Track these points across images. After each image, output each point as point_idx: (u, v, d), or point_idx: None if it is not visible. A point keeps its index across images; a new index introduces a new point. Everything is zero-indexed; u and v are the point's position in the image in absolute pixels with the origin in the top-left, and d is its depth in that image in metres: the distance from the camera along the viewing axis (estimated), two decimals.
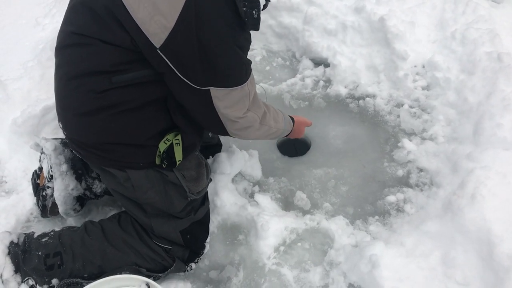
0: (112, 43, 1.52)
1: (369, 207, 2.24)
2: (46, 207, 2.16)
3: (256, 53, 3.18)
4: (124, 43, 1.50)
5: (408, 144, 2.42)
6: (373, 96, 2.74)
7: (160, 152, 1.71)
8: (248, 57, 3.00)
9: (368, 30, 2.89)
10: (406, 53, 2.72)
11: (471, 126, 2.33)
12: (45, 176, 2.12)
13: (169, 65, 1.51)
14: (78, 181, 2.08)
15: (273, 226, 2.04)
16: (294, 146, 2.66)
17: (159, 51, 1.47)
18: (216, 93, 1.59)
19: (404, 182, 2.32)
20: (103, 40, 1.53)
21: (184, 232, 1.91)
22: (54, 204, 2.09)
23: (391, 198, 2.23)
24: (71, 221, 2.26)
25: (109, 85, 1.57)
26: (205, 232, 2.02)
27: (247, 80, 1.67)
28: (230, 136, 1.84)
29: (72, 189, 2.06)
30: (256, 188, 2.36)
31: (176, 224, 1.89)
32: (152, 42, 1.46)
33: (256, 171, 2.40)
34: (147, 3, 1.42)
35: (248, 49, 1.68)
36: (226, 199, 2.16)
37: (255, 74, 2.97)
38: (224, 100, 1.63)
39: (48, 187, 2.12)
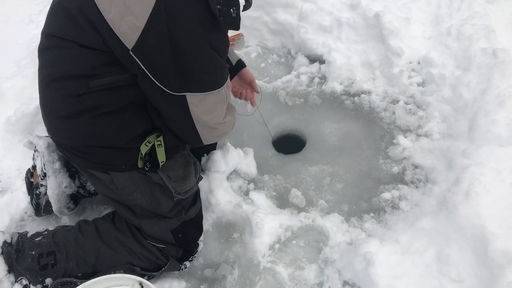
0: (87, 45, 1.51)
1: (364, 204, 2.24)
2: (40, 206, 2.15)
3: (251, 50, 3.17)
4: (98, 45, 1.49)
5: (403, 141, 2.42)
6: (369, 93, 2.73)
7: (142, 154, 1.70)
8: (243, 53, 3.03)
9: (363, 26, 2.88)
10: (401, 50, 2.71)
11: (466, 122, 2.32)
12: (38, 174, 2.10)
13: (142, 68, 1.48)
14: (71, 179, 2.06)
15: (268, 223, 2.04)
16: (289, 143, 2.65)
17: (131, 53, 1.45)
18: (192, 98, 1.56)
19: (399, 179, 2.32)
20: (79, 43, 1.51)
21: (175, 232, 1.90)
22: (48, 203, 2.08)
23: (386, 195, 2.22)
24: (65, 220, 2.25)
25: (86, 89, 1.56)
26: (198, 230, 2.02)
27: (224, 83, 1.64)
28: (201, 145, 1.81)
29: (66, 187, 2.05)
30: (251, 185, 2.35)
31: (166, 224, 1.88)
32: (124, 42, 1.43)
33: (251, 169, 2.39)
34: (118, 3, 1.40)
35: (224, 52, 1.65)
36: (220, 197, 2.15)
37: (251, 69, 2.97)
38: (200, 106, 1.60)
39: (41, 185, 2.10)
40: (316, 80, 2.86)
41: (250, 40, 3.18)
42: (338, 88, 2.78)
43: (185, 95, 1.54)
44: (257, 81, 2.84)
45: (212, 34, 1.50)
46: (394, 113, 2.60)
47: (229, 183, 2.31)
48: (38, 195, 2.14)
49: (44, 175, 2.04)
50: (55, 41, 1.59)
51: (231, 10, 1.47)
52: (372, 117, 2.64)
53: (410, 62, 2.78)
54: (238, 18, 1.51)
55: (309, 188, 2.34)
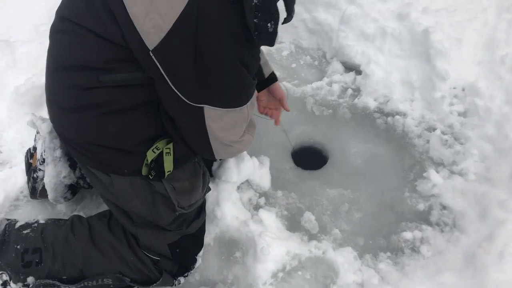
0: (103, 36, 1.34)
1: (382, 240, 2.05)
2: (36, 190, 2.02)
3: (284, 47, 2.95)
4: (115, 38, 1.32)
5: (434, 176, 2.20)
6: (404, 115, 2.50)
7: (147, 161, 1.54)
8: (275, 50, 2.81)
9: (409, 40, 2.63)
10: (447, 73, 2.47)
11: (508, 168, 2.10)
12: (37, 158, 1.96)
13: (160, 72, 1.32)
14: (71, 168, 1.92)
15: (274, 250, 1.86)
16: (309, 157, 2.46)
17: (151, 54, 1.28)
18: (210, 112, 1.40)
19: (423, 218, 2.11)
20: (95, 33, 1.35)
21: (173, 246, 1.75)
22: (44, 189, 1.94)
23: (407, 235, 2.03)
24: (62, 207, 2.11)
25: (96, 83, 1.41)
26: (198, 246, 1.86)
27: (247, 102, 1.47)
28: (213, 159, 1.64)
29: (64, 177, 1.90)
30: (262, 200, 2.17)
31: (164, 236, 1.73)
32: (145, 42, 1.27)
33: (264, 181, 2.21)
34: None
35: (254, 68, 1.47)
36: (227, 210, 1.98)
37: (279, 70, 2.78)
38: (218, 121, 1.44)
39: (39, 169, 1.96)
40: (349, 91, 2.64)
41: (284, 37, 2.96)
42: (372, 104, 2.56)
43: (203, 107, 1.38)
44: (285, 83, 2.65)
45: (243, 49, 1.32)
46: (428, 141, 2.38)
47: (238, 194, 2.14)
48: (35, 179, 2.00)
49: (43, 160, 1.89)
50: (69, 25, 1.42)
51: (269, 24, 1.27)
52: (404, 143, 2.42)
53: (454, 88, 2.54)
54: (274, 34, 1.32)
55: (324, 212, 2.15)
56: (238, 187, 2.17)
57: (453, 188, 2.15)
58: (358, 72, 2.71)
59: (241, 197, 2.14)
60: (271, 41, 1.33)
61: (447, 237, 1.99)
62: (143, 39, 1.26)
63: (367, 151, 2.43)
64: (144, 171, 1.56)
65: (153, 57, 1.28)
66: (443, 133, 2.40)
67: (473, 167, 2.20)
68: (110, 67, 1.39)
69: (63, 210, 2.11)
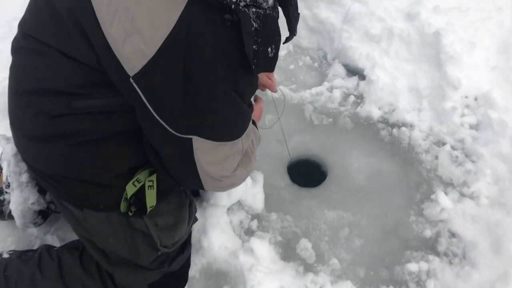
0: (74, 57, 1.14)
1: (385, 272, 1.87)
2: (4, 213, 1.83)
3: (282, 46, 2.70)
4: (88, 61, 1.12)
5: (443, 198, 2.01)
6: (411, 126, 2.30)
7: (127, 195, 1.34)
8: None
9: (418, 43, 2.41)
10: (459, 82, 2.25)
11: None
12: (3, 181, 1.75)
13: (142, 99, 1.11)
14: (41, 194, 1.70)
15: (267, 286, 1.68)
16: (307, 172, 2.26)
17: (131, 80, 1.08)
18: (199, 144, 1.19)
19: (430, 246, 1.93)
20: (63, 53, 1.15)
21: (154, 285, 1.57)
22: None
23: (412, 267, 1.85)
24: (33, 230, 1.92)
25: (67, 110, 1.21)
26: (182, 282, 1.70)
27: (243, 133, 1.27)
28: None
29: (33, 203, 1.69)
30: (255, 223, 1.98)
31: (144, 276, 1.55)
32: (124, 67, 1.06)
33: (257, 201, 2.02)
34: (123, 16, 1.02)
35: (250, 95, 1.27)
36: (215, 239, 1.80)
37: (276, 72, 2.54)
38: (208, 154, 1.24)
39: (6, 192, 1.75)
40: (352, 98, 2.43)
41: (282, 35, 2.71)
42: (376, 113, 2.35)
43: (191, 138, 1.17)
44: (281, 87, 2.43)
45: (239, 77, 1.12)
46: (437, 157, 2.18)
47: (228, 217, 1.95)
48: (1, 202, 1.81)
49: (9, 184, 1.69)
50: (34, 43, 1.21)
51: (269, 49, 1.10)
52: (410, 158, 2.22)
53: (466, 97, 2.32)
54: (275, 59, 1.15)
55: (322, 238, 1.97)
56: (228, 209, 1.98)
57: (463, 213, 1.97)
58: (362, 76, 2.49)
59: (231, 220, 1.95)
60: (271, 67, 1.17)
61: (457, 270, 1.81)
62: (122, 64, 1.06)
63: (369, 166, 2.24)
64: (123, 207, 1.37)
65: (134, 84, 1.08)
66: (453, 148, 2.20)
67: (485, 189, 2.00)
68: (83, 92, 1.19)
69: (35, 233, 1.92)
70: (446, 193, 2.05)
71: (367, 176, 2.20)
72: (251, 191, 2.01)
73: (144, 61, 1.04)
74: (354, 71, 2.54)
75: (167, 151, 1.27)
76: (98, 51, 1.08)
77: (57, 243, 1.85)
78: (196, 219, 1.71)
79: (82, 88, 1.18)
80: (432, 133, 2.27)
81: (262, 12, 1.07)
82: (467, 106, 2.32)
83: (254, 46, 1.06)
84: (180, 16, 1.01)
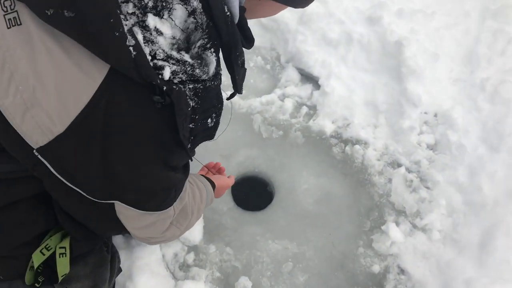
0: None
1: None
2: None
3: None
4: None
5: (394, 230, 1.88)
6: (365, 144, 2.13)
7: (33, 264, 1.13)
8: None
9: (378, 51, 2.21)
10: (419, 99, 2.09)
11: (478, 231, 1.81)
12: None
13: (50, 171, 0.88)
14: None
15: None
16: (252, 193, 2.09)
17: (36, 153, 0.85)
18: (122, 209, 1.00)
19: (378, 283, 1.82)
20: None
21: None
22: None
23: None
24: None
25: None
26: None
27: (174, 202, 1.08)
28: None
29: None
30: (191, 256, 1.81)
31: None
32: (26, 140, 0.84)
33: (195, 233, 1.84)
34: (22, 85, 0.79)
35: (187, 159, 1.05)
36: (142, 284, 1.61)
37: (224, 74, 2.29)
38: (133, 220, 1.05)
39: None
40: (304, 110, 2.22)
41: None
42: (329, 127, 2.16)
43: (113, 203, 0.98)
44: (228, 93, 2.20)
45: (172, 155, 0.92)
46: (390, 181, 2.04)
47: (162, 251, 1.76)
48: None
49: None
50: None
51: (209, 120, 0.93)
52: (363, 179, 2.07)
53: (425, 113, 2.17)
54: (216, 126, 0.97)
55: (264, 274, 1.82)
56: None
57: (414, 248, 1.85)
58: (316, 84, 2.28)
59: (164, 255, 1.77)
60: (210, 137, 1.00)
61: None
62: (23, 137, 0.83)
63: (319, 187, 2.07)
64: (28, 278, 1.15)
65: (39, 156, 0.86)
66: (408, 170, 2.06)
67: (439, 222, 1.89)
68: None
69: None
70: (397, 224, 1.92)
71: (316, 200, 2.05)
72: None
73: (50, 137, 0.82)
74: (308, 76, 2.32)
75: (85, 215, 1.07)
76: None
77: None
78: (120, 270, 1.51)
79: None
80: (387, 153, 2.12)
81: (201, 86, 0.85)
82: (425, 123, 2.17)
83: (191, 125, 0.87)
84: (96, 92, 0.79)
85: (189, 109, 0.83)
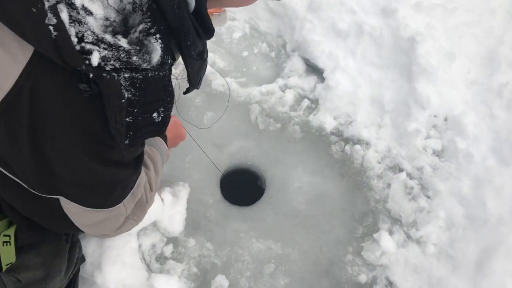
0: None
1: None
2: None
3: (236, 26, 2.33)
4: None
5: (386, 240, 1.77)
6: (366, 144, 2.00)
7: None
8: (225, 29, 2.23)
9: (390, 46, 2.06)
10: (428, 101, 1.94)
11: (476, 250, 1.67)
12: None
13: None
14: None
15: None
16: (241, 187, 1.99)
17: None
18: (68, 205, 0.92)
19: None
20: None
21: None
22: None
23: None
24: None
25: None
26: None
27: (122, 200, 0.99)
28: None
29: None
30: (169, 248, 1.74)
31: None
32: None
33: (175, 224, 1.76)
34: None
35: (138, 151, 0.95)
36: (111, 277, 1.54)
37: (226, 58, 2.22)
38: (80, 217, 0.97)
39: None
40: (305, 103, 2.10)
41: (238, 13, 2.33)
42: (330, 124, 2.04)
43: (58, 198, 0.91)
44: (228, 79, 2.10)
45: (108, 149, 0.83)
46: (389, 186, 1.92)
47: (139, 240, 1.69)
48: None
49: None
50: None
51: (155, 114, 0.81)
52: (360, 182, 1.95)
53: (435, 116, 2.02)
54: (164, 123, 0.85)
55: (243, 274, 1.73)
56: (141, 230, 1.72)
57: (406, 261, 1.74)
58: (321, 77, 2.15)
59: (141, 244, 1.70)
60: (159, 131, 0.87)
61: None
62: None
63: (313, 187, 1.97)
64: None
65: None
66: (409, 176, 1.93)
67: (435, 236, 1.76)
68: None
69: None
70: (391, 233, 1.81)
71: (308, 199, 1.94)
72: (169, 212, 1.74)
73: None
74: (313, 68, 2.19)
75: (30, 209, 1.00)
76: None
77: None
78: (83, 260, 1.45)
79: None
80: (389, 155, 1.98)
81: (140, 76, 0.74)
82: (434, 127, 2.02)
83: (127, 119, 0.76)
84: (20, 76, 0.71)
85: (123, 101, 0.73)
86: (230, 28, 2.31)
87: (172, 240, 1.76)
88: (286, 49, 2.27)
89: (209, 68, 2.12)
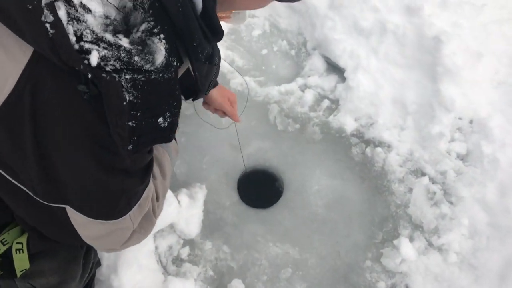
0: None
1: None
2: None
3: (256, 23, 2.29)
4: None
5: (406, 247, 1.73)
6: (388, 147, 1.95)
7: None
8: (244, 26, 2.19)
9: (414, 44, 1.99)
10: (453, 104, 1.88)
11: (501, 259, 1.62)
12: None
13: None
14: None
15: None
16: (259, 189, 1.96)
17: None
18: (73, 214, 0.90)
19: None
20: None
21: None
22: None
23: None
24: None
25: None
26: None
27: (129, 211, 0.96)
28: None
29: None
30: (186, 250, 1.73)
31: None
32: None
33: (192, 226, 1.75)
34: None
35: (145, 161, 0.93)
36: (127, 279, 1.54)
37: (245, 56, 2.18)
38: (84, 228, 0.96)
39: None
40: (325, 103, 2.06)
41: (257, 10, 2.27)
42: (350, 125, 1.99)
43: (64, 207, 0.89)
44: (247, 78, 2.07)
45: (112, 156, 0.81)
46: (411, 190, 1.87)
47: (155, 242, 1.69)
48: None
49: None
50: None
51: (161, 119, 0.78)
52: (381, 185, 1.91)
53: (460, 118, 1.95)
54: (171, 129, 0.81)
55: (259, 278, 1.72)
56: (158, 231, 1.71)
57: (426, 269, 1.69)
58: (342, 77, 2.09)
59: (157, 246, 1.69)
60: (166, 138, 0.83)
61: None
62: None
63: (332, 190, 1.93)
64: None
65: None
66: (432, 181, 1.87)
67: (457, 244, 1.71)
68: None
69: None
70: (412, 239, 1.76)
71: (326, 203, 1.90)
72: (186, 213, 1.73)
73: None
74: (334, 67, 2.14)
75: (37, 219, 0.98)
76: None
77: None
78: (98, 265, 1.45)
79: None
80: (411, 159, 1.93)
81: (143, 78, 0.71)
82: (458, 129, 1.96)
83: (130, 123, 0.73)
84: (21, 76, 0.70)
85: (124, 103, 0.70)
86: (249, 25, 2.27)
87: (188, 242, 1.75)
88: (307, 47, 2.22)
89: (227, 67, 2.10)
